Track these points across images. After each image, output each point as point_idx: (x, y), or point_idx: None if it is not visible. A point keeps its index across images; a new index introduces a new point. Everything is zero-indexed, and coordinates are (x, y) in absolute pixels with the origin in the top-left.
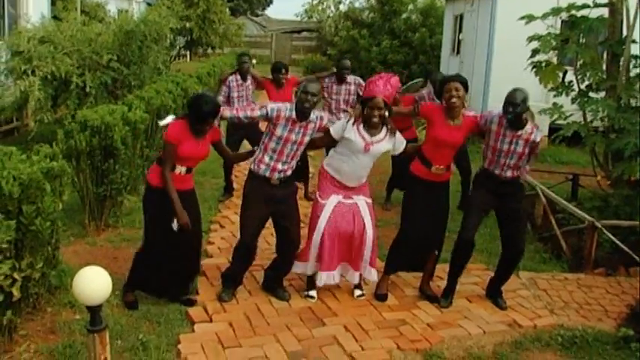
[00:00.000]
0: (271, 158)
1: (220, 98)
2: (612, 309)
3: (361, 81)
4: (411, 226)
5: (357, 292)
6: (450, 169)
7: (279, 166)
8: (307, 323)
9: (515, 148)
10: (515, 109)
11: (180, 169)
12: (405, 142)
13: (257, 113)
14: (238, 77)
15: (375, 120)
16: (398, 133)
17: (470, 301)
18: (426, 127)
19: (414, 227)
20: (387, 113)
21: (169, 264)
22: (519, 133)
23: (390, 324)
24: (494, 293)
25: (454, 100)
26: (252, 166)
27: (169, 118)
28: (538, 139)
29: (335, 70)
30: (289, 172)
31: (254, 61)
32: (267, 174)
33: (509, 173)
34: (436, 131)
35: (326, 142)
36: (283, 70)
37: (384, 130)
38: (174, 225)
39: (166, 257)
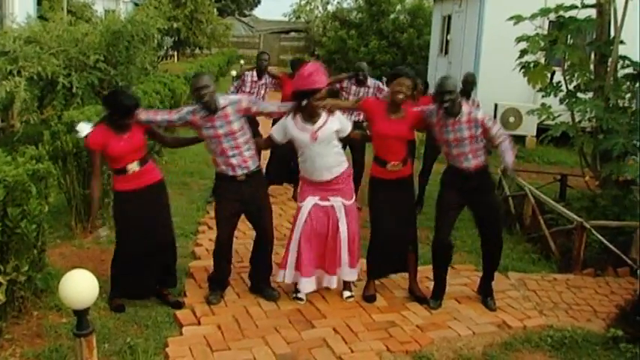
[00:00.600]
0: (221, 157)
1: (231, 89)
2: (601, 309)
3: (381, 85)
4: (379, 227)
5: (346, 294)
6: (408, 164)
7: (234, 161)
8: (296, 325)
9: (461, 134)
10: (452, 95)
11: (132, 167)
12: (347, 120)
13: (175, 117)
14: (254, 74)
15: (320, 110)
16: (338, 112)
17: (459, 302)
18: (369, 124)
19: (382, 228)
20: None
21: (145, 259)
22: (458, 118)
23: (379, 326)
24: (484, 292)
25: (400, 95)
26: (216, 169)
27: (86, 128)
28: (480, 117)
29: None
30: (250, 163)
31: (242, 61)
32: (230, 172)
33: (472, 163)
34: (377, 126)
35: (268, 144)
36: (299, 66)
37: (324, 113)
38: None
39: (140, 253)
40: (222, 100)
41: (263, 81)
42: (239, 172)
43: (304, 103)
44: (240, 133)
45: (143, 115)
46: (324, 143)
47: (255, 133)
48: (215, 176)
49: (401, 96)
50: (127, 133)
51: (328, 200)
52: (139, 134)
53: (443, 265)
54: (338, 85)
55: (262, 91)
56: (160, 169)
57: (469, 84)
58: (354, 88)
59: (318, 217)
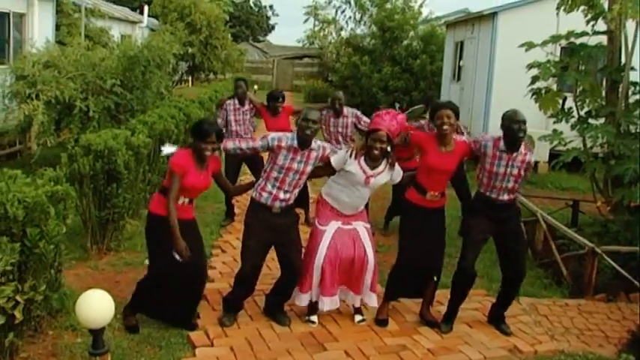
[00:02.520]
0: (273, 186)
1: (220, 121)
2: (613, 335)
3: (358, 113)
4: (408, 252)
5: (358, 318)
6: (445, 195)
7: (281, 195)
8: (308, 348)
9: (512, 171)
10: (524, 125)
11: (184, 200)
12: (401, 173)
13: (259, 144)
14: (236, 102)
15: (377, 152)
16: (397, 165)
17: (470, 327)
18: (419, 156)
19: (411, 254)
20: (389, 148)
21: (173, 292)
22: (514, 155)
23: (390, 349)
24: (497, 319)
25: (446, 127)
26: (253, 194)
27: (172, 148)
28: (532, 160)
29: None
30: (291, 201)
31: (255, 86)
32: (269, 202)
33: (505, 196)
34: (429, 159)
35: (327, 172)
36: (280, 99)
37: (384, 162)
38: (176, 255)
39: (171, 285)
40: (315, 141)
41: (246, 107)
42: (277, 205)
43: (368, 142)
44: (306, 175)
45: (230, 144)
46: (370, 189)
47: (255, 158)
48: (250, 202)
49: (445, 127)
50: (203, 170)
51: (351, 224)
52: (209, 176)
53: (462, 293)
54: None
55: (247, 117)
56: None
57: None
58: (332, 119)
59: (343, 240)
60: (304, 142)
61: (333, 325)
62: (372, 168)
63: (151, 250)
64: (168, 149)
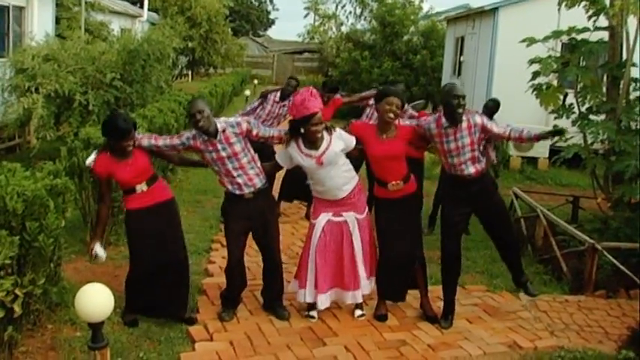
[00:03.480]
0: (227, 177)
1: (255, 104)
2: (613, 331)
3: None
4: (387, 246)
5: (358, 312)
6: (411, 181)
7: (240, 180)
8: (308, 343)
9: (463, 143)
10: (463, 100)
11: (140, 187)
12: (353, 138)
13: (176, 142)
14: (277, 95)
15: (319, 135)
16: (338, 129)
17: (470, 323)
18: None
19: (391, 247)
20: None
21: (158, 280)
22: (459, 126)
23: (390, 344)
24: (519, 284)
25: (391, 115)
26: (224, 188)
27: (92, 156)
28: (479, 121)
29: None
30: (256, 180)
31: (256, 81)
32: (237, 191)
33: (472, 169)
34: (370, 149)
35: (276, 169)
36: (328, 89)
37: (325, 135)
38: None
39: (152, 270)
40: (221, 123)
41: (285, 103)
42: (246, 190)
43: (302, 130)
44: (242, 153)
45: (145, 140)
46: (331, 165)
47: (270, 156)
48: (224, 196)
49: (391, 115)
50: (130, 159)
51: (341, 216)
52: (143, 157)
53: (452, 278)
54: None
55: (282, 112)
56: (171, 188)
57: (488, 109)
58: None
59: (332, 232)
60: (207, 132)
61: (332, 320)
62: (317, 149)
63: (130, 243)
64: (89, 159)
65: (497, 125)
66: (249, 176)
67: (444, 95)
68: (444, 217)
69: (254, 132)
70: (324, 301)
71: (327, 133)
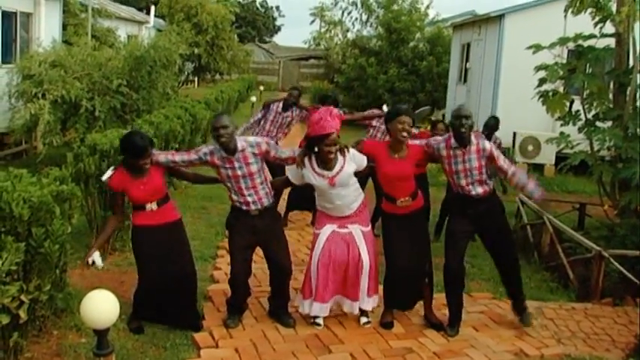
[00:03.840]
0: (236, 194)
1: (258, 115)
2: (620, 339)
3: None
4: (394, 261)
5: (364, 320)
6: (419, 197)
7: (249, 199)
8: (313, 350)
9: (471, 165)
10: (468, 120)
11: (150, 206)
12: (364, 157)
13: (193, 157)
14: (280, 105)
15: (332, 156)
16: (352, 149)
17: (476, 330)
18: (374, 165)
19: (396, 263)
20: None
21: (167, 296)
22: (467, 148)
23: (396, 352)
24: (517, 310)
25: (405, 134)
26: (231, 202)
27: (109, 172)
28: (488, 146)
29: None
30: (265, 200)
31: (261, 87)
32: (244, 207)
33: (479, 189)
34: (382, 168)
35: (287, 185)
36: (330, 101)
37: (339, 157)
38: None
39: (162, 290)
40: (241, 142)
41: (288, 113)
42: (253, 207)
43: (316, 149)
44: (257, 174)
45: (162, 157)
46: (344, 185)
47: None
48: (230, 208)
49: (404, 134)
50: (145, 177)
51: (346, 227)
52: (157, 177)
53: (455, 292)
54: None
55: (285, 121)
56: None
57: (489, 127)
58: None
59: (337, 243)
60: (227, 149)
61: (338, 327)
62: (330, 169)
63: (137, 259)
64: (106, 175)
65: (505, 160)
66: (259, 196)
67: (451, 116)
68: (449, 231)
69: (272, 153)
70: (318, 310)
71: (341, 155)
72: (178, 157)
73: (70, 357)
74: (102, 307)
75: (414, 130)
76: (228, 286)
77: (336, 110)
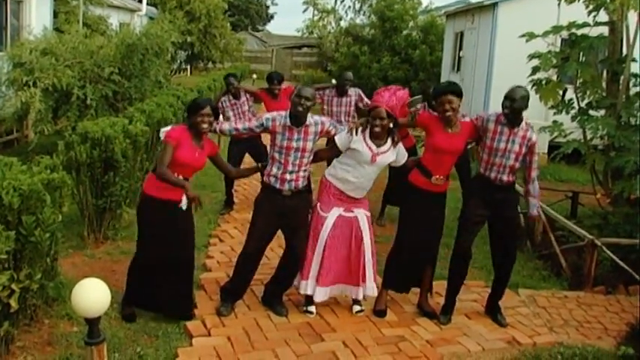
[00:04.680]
0: (278, 168)
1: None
2: (612, 327)
3: (361, 92)
4: (407, 235)
5: (356, 308)
6: (449, 179)
7: (287, 176)
8: (306, 338)
9: (512, 147)
10: (513, 103)
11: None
12: (406, 154)
13: (254, 123)
14: (230, 97)
15: (377, 130)
16: (401, 145)
17: (469, 318)
18: (425, 137)
19: (410, 237)
20: (391, 124)
21: (162, 277)
22: (515, 130)
23: (389, 340)
24: (493, 310)
25: (448, 113)
26: (264, 178)
27: (168, 127)
28: (534, 138)
29: (335, 82)
30: (300, 182)
31: (254, 75)
32: (278, 185)
33: (504, 177)
34: (435, 140)
35: (333, 153)
36: (275, 81)
37: (389, 141)
38: (184, 203)
39: (158, 269)
40: (309, 117)
41: (242, 99)
42: (286, 187)
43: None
44: (308, 153)
45: (226, 125)
46: (377, 168)
47: (257, 147)
48: (261, 186)
49: (449, 113)
50: (199, 148)
51: (352, 212)
52: (205, 156)
53: (461, 275)
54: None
55: (245, 108)
56: None
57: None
58: (335, 99)
59: (342, 227)
60: (298, 119)
61: (331, 315)
62: (378, 146)
63: (140, 230)
64: (164, 129)
65: (536, 163)
66: (298, 176)
67: (506, 95)
68: (465, 214)
69: (332, 132)
70: (322, 294)
71: (392, 142)
72: (240, 125)
73: (61, 346)
74: (93, 295)
75: (368, 101)
76: (220, 274)
77: (401, 92)
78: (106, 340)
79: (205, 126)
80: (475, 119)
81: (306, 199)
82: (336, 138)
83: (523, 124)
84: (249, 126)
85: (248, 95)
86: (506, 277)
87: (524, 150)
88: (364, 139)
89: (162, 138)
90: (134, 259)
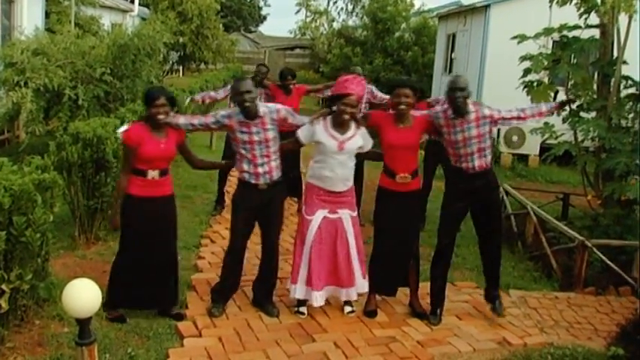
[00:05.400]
0: (248, 163)
1: (221, 92)
2: (602, 328)
3: (373, 89)
4: (383, 239)
5: (348, 309)
6: (417, 178)
7: (260, 170)
8: (297, 339)
9: (470, 134)
10: (463, 92)
11: (153, 174)
12: (371, 140)
13: (211, 120)
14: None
15: (347, 117)
16: (364, 129)
17: (460, 319)
18: (378, 136)
19: (385, 240)
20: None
21: (145, 273)
22: (466, 117)
23: (380, 341)
24: (490, 299)
25: (402, 106)
26: (238, 176)
27: (125, 126)
28: (487, 113)
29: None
30: (274, 173)
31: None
32: (253, 180)
33: (476, 162)
34: (387, 136)
35: (296, 146)
36: (289, 77)
37: (353, 126)
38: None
39: (142, 265)
40: (262, 107)
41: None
42: (262, 180)
43: (334, 108)
44: (272, 141)
45: (182, 119)
46: (348, 155)
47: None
48: (237, 183)
49: (403, 106)
50: (163, 139)
51: (336, 213)
52: (173, 145)
53: (440, 273)
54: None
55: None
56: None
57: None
58: None
59: (327, 229)
60: (248, 113)
61: (322, 316)
62: (342, 133)
63: (123, 229)
64: (122, 128)
65: (509, 111)
66: (271, 167)
67: (447, 87)
68: (444, 209)
69: (289, 120)
70: (319, 298)
71: (356, 126)
72: (196, 120)
73: (52, 347)
74: (84, 296)
75: (383, 95)
76: (212, 275)
77: (364, 81)
78: (96, 341)
79: (161, 117)
80: (428, 115)
81: (282, 190)
82: (298, 131)
83: (471, 107)
84: (205, 122)
85: (262, 91)
86: (496, 269)
87: (483, 130)
88: (326, 129)
89: (120, 139)
90: (116, 260)
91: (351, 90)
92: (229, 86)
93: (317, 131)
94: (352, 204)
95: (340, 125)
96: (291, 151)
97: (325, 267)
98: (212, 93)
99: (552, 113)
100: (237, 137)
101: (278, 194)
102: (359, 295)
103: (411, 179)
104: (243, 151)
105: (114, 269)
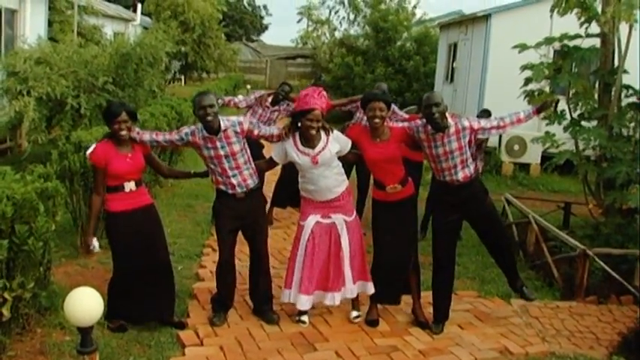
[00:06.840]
0: (220, 176)
1: (240, 97)
2: (604, 337)
3: (395, 108)
4: (380, 248)
5: (354, 314)
6: (409, 184)
7: (234, 181)
8: (298, 348)
9: (451, 147)
10: (439, 108)
11: (129, 186)
12: (349, 142)
13: (175, 137)
14: (269, 99)
15: (313, 132)
16: (336, 131)
17: (462, 328)
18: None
19: (383, 249)
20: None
21: (141, 284)
22: (446, 131)
23: (381, 350)
24: (515, 288)
25: (376, 120)
26: (215, 186)
27: (92, 146)
28: (467, 124)
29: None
30: (249, 181)
31: (249, 86)
32: (230, 191)
33: (460, 175)
34: (366, 153)
35: (271, 166)
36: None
37: (323, 136)
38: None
39: (137, 278)
40: (224, 121)
41: (276, 107)
42: (238, 190)
43: (299, 125)
44: (240, 154)
45: (146, 135)
46: (325, 166)
47: (259, 156)
48: (216, 193)
49: (377, 120)
50: (129, 153)
51: (330, 217)
52: (141, 157)
53: (443, 284)
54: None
55: (273, 116)
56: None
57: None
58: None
59: (320, 235)
60: (211, 129)
61: (323, 325)
62: (313, 147)
63: (113, 247)
64: (89, 149)
65: (488, 120)
66: (244, 177)
67: (423, 104)
68: (435, 225)
69: (255, 132)
70: (305, 302)
71: (325, 134)
72: (161, 137)
73: (53, 355)
74: (86, 304)
75: (404, 115)
76: (213, 284)
77: (324, 91)
78: (98, 350)
79: (124, 133)
80: (407, 128)
81: (259, 199)
82: (272, 153)
83: (449, 121)
84: (169, 138)
85: (285, 106)
86: (511, 265)
87: (464, 142)
88: (297, 147)
89: (88, 160)
90: (113, 277)
91: (313, 104)
92: (252, 96)
93: (288, 150)
94: (347, 208)
95: (309, 140)
96: (269, 168)
97: (317, 272)
98: (236, 99)
99: (531, 118)
100: (204, 154)
101: (258, 203)
102: (343, 300)
103: (402, 188)
104: (212, 166)
105: (111, 288)
